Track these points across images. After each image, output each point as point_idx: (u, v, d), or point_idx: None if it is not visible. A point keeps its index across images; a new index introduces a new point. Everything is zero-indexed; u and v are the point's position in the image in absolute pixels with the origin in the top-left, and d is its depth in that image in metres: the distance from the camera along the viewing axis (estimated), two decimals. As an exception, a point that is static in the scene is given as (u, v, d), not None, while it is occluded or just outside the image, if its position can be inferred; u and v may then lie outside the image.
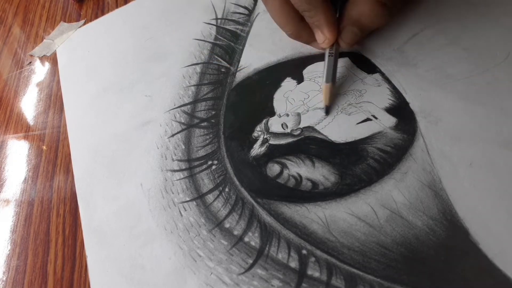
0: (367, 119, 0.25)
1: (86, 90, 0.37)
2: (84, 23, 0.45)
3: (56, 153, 0.33)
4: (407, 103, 0.25)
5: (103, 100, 0.35)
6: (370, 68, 0.28)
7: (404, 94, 0.26)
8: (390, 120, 0.25)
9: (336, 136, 0.25)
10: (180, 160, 0.28)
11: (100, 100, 0.35)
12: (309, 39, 0.27)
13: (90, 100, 0.36)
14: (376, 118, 0.25)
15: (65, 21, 0.47)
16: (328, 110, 0.26)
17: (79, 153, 0.32)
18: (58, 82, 0.39)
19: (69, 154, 0.32)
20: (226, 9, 0.38)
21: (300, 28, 0.27)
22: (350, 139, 0.25)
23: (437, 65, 0.26)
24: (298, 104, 0.28)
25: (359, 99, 0.26)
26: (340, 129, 0.25)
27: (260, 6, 0.36)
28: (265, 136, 0.27)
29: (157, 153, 0.29)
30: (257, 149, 0.27)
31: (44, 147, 0.34)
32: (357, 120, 0.26)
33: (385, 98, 0.26)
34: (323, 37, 0.26)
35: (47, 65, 0.42)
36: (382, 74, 0.27)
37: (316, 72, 0.29)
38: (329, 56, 0.27)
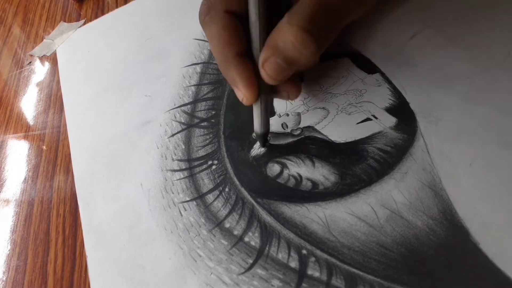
0: (367, 119, 0.25)
1: (86, 90, 0.37)
2: (84, 23, 0.45)
3: (56, 153, 0.33)
4: (407, 103, 0.25)
5: (103, 100, 0.35)
6: (370, 68, 0.28)
7: (404, 94, 0.26)
8: (390, 120, 0.25)
9: (336, 136, 0.25)
10: (180, 160, 0.28)
11: (100, 100, 0.35)
12: (233, 82, 0.23)
13: (90, 100, 0.36)
14: (376, 118, 0.25)
15: (65, 21, 0.47)
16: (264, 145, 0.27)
17: (79, 153, 0.32)
18: (58, 82, 0.39)
19: (69, 154, 0.32)
20: (226, 9, 0.38)
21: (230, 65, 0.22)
22: (350, 139, 0.25)
23: (437, 65, 0.26)
24: (298, 104, 0.28)
25: (359, 98, 0.26)
26: (340, 129, 0.25)
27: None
28: (265, 136, 0.27)
29: (157, 153, 0.29)
30: (257, 149, 0.27)
31: (44, 147, 0.34)
32: (357, 119, 0.26)
33: (385, 98, 0.26)
34: (241, 95, 0.22)
35: (47, 65, 0.42)
36: (382, 74, 0.27)
37: (317, 72, 0.29)
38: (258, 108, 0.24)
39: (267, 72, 0.21)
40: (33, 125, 0.37)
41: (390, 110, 0.25)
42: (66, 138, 0.33)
